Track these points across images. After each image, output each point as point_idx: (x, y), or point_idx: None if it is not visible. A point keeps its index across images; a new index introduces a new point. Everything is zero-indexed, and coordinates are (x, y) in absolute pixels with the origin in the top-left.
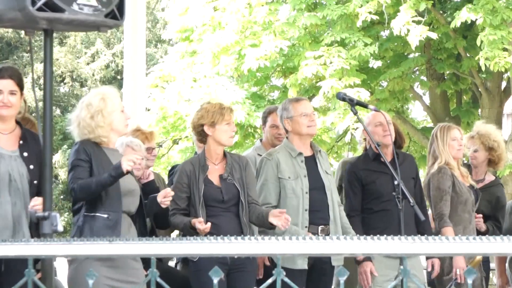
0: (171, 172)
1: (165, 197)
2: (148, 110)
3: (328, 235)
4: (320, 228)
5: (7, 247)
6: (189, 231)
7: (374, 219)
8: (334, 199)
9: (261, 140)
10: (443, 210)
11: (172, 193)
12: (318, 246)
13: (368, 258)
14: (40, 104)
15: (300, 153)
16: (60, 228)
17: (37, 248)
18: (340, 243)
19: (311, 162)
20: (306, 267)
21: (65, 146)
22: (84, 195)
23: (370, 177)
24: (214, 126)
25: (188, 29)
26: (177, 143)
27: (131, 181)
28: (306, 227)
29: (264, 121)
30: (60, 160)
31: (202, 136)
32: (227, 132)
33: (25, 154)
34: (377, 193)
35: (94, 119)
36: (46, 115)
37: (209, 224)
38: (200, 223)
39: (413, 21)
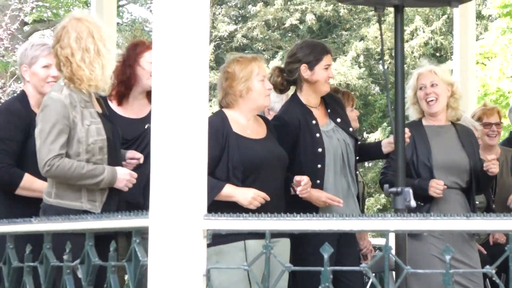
0: None
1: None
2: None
3: None
4: None
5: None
6: None
7: None
8: None
9: None
10: None
11: None
12: None
13: None
14: None
15: None
16: (413, 203)
17: (395, 223)
18: None
19: None
20: None
21: (384, 124)
22: None
23: None
24: None
25: (508, 5)
26: None
27: None
28: None
29: None
30: (380, 138)
31: None
32: None
33: (338, 120)
34: None
35: None
36: (398, 91)
37: None
38: None
39: None
